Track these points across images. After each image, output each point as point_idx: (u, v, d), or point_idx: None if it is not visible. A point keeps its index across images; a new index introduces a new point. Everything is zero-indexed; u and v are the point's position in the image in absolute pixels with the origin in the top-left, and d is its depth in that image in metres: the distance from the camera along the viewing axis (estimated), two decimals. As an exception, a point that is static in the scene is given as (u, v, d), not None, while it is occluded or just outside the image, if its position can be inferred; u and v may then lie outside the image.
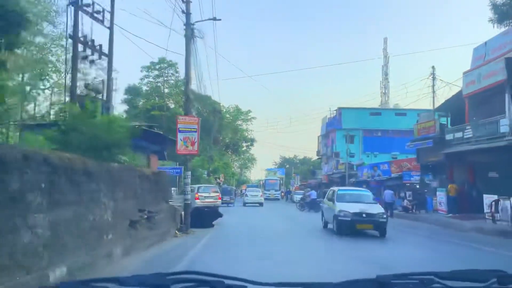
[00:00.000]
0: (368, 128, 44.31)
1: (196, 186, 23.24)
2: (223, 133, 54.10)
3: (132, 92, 50.59)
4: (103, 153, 8.04)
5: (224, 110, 64.61)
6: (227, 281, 1.54)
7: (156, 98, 50.01)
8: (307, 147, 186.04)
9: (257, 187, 52.68)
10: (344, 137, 44.21)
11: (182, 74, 56.11)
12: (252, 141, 71.81)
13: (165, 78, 50.51)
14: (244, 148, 72.06)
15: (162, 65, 49.13)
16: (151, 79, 49.98)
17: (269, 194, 45.30)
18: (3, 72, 8.77)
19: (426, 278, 1.62)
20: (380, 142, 42.96)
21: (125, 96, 50.67)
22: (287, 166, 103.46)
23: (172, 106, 50.08)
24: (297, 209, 30.00)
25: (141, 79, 49.74)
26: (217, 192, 23.66)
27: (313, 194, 30.89)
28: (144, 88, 50.56)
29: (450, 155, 20.82)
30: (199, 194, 22.18)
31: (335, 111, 47.42)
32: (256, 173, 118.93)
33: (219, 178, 58.11)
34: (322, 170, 45.80)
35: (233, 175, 73.20)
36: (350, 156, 43.11)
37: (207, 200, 21.89)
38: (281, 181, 46.66)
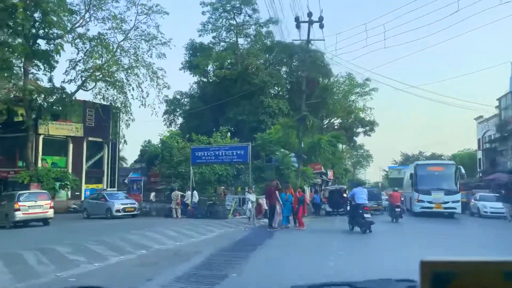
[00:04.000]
0: None
1: (16, 192, 18.04)
2: (328, 100, 35.02)
3: (196, 51, 34.94)
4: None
5: (332, 80, 45.60)
6: None
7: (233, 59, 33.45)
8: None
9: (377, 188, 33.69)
10: None
11: (264, 14, 38.82)
12: (372, 124, 50.94)
13: (241, 25, 33.57)
14: (361, 134, 51.56)
15: (232, 2, 32.41)
16: (218, 24, 33.46)
17: (431, 202, 20.32)
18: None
19: None
20: None
21: (186, 58, 35.30)
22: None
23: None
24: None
25: (203, 25, 33.51)
26: (47, 200, 17.44)
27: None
28: (210, 39, 34.34)
29: None
30: (20, 203, 16.65)
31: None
32: (373, 175, 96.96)
33: (326, 175, 38.89)
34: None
35: (345, 172, 53.32)
36: None
37: (31, 211, 16.83)
38: (459, 171, 20.81)
